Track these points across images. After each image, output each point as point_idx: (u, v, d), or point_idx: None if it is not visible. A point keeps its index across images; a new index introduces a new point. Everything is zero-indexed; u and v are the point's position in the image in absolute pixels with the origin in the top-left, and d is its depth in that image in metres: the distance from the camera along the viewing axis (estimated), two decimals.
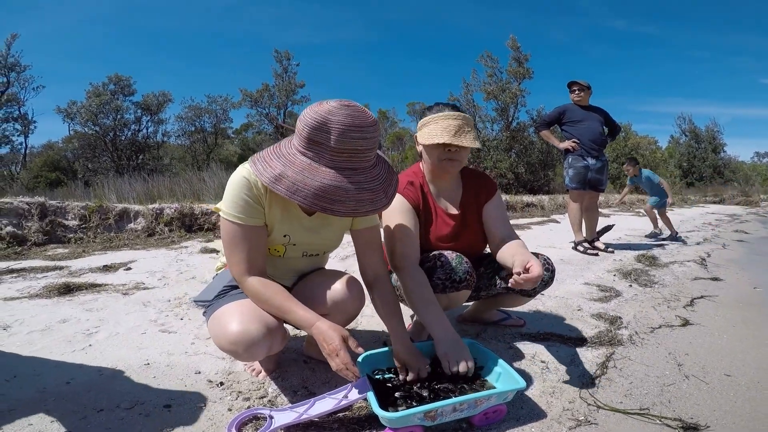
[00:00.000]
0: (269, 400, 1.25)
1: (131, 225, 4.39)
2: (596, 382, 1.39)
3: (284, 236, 1.21)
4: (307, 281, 1.32)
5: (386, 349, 1.27)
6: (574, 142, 3.79)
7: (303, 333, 1.69)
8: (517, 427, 1.13)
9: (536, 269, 1.13)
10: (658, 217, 5.27)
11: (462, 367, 1.12)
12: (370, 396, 1.06)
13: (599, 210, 4.24)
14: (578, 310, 2.16)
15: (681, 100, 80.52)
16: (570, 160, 3.82)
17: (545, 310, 2.15)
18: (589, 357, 1.58)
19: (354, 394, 1.10)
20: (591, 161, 3.77)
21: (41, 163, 19.59)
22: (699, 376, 1.45)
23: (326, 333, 1.04)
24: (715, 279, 2.93)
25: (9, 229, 3.69)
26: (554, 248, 3.98)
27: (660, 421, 1.17)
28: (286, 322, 1.18)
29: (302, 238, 1.25)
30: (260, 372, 1.38)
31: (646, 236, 5.22)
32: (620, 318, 2.02)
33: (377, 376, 1.23)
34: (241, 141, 23.97)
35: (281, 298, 1.11)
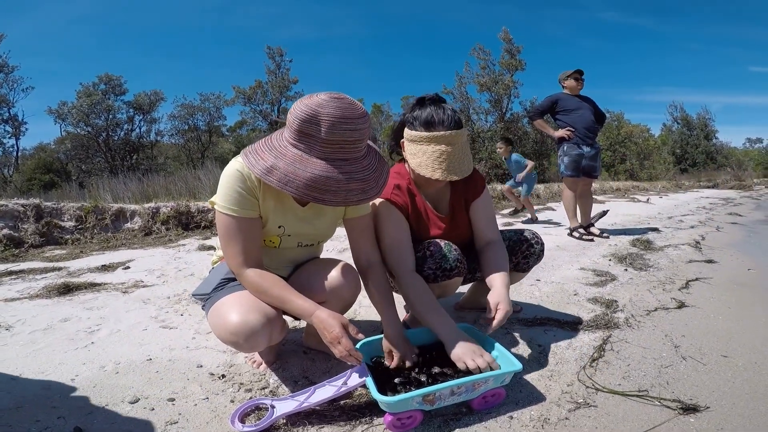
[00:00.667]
0: (271, 391, 1.27)
1: (128, 225, 4.38)
2: (594, 364, 1.41)
3: (279, 227, 1.22)
4: (302, 270, 1.34)
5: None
6: (569, 130, 3.81)
7: (302, 325, 1.71)
8: (517, 410, 1.15)
9: (500, 314, 1.23)
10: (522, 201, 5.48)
11: (481, 363, 1.11)
12: (369, 382, 1.07)
13: (593, 196, 4.27)
14: (574, 294, 2.19)
15: (672, 89, 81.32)
16: (565, 148, 3.84)
17: (541, 295, 2.17)
18: (586, 340, 1.60)
19: (353, 381, 1.12)
20: (586, 149, 3.81)
21: (34, 165, 19.42)
22: (696, 358, 1.47)
23: (326, 321, 1.06)
24: (710, 261, 2.96)
25: (5, 231, 3.68)
26: (550, 235, 4.01)
27: (659, 402, 1.19)
28: (285, 313, 1.19)
29: (296, 229, 1.26)
30: (261, 363, 1.39)
31: (509, 213, 5.66)
32: (616, 302, 2.05)
33: (378, 360, 1.25)
34: (236, 138, 23.84)
35: (279, 288, 1.12)
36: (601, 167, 4.20)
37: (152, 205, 4.64)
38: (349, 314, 1.87)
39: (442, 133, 1.27)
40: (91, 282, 2.46)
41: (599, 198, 8.44)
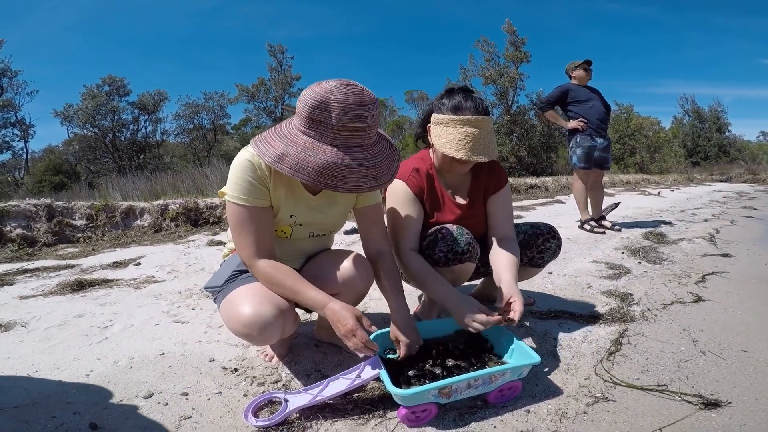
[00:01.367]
0: (283, 384, 1.26)
1: (138, 222, 4.42)
2: (611, 358, 1.38)
3: (290, 216, 1.22)
4: (315, 261, 1.33)
5: None
6: (581, 121, 3.74)
7: (313, 317, 1.70)
8: (534, 404, 1.13)
9: (518, 305, 1.18)
10: None
11: (486, 321, 1.14)
12: (383, 374, 1.06)
13: (604, 189, 4.20)
14: (588, 287, 2.15)
15: (682, 82, 79.93)
16: (578, 139, 3.78)
17: (554, 288, 2.14)
18: (601, 334, 1.57)
19: (366, 374, 1.11)
20: (599, 140, 3.76)
21: (44, 167, 19.72)
22: (716, 352, 1.43)
23: (340, 313, 1.05)
24: (726, 255, 2.90)
25: (19, 231, 3.73)
26: (561, 228, 3.91)
27: (680, 397, 1.16)
28: (298, 305, 1.18)
29: (308, 218, 1.25)
30: (273, 357, 1.39)
31: None
32: (631, 295, 2.01)
33: (389, 356, 1.23)
34: (240, 136, 23.95)
35: (292, 280, 1.11)
36: (611, 159, 4.13)
37: (161, 202, 4.67)
38: (360, 307, 1.86)
39: (468, 116, 1.29)
40: (104, 278, 2.49)
41: (609, 191, 8.32)
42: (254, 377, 1.30)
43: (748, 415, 1.08)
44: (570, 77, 3.94)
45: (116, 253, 3.35)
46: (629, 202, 6.32)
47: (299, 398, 1.09)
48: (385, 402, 1.12)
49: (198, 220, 4.60)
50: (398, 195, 1.43)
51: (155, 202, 4.68)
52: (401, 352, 1.16)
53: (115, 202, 4.75)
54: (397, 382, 1.07)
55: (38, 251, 3.54)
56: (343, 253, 1.29)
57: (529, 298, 1.90)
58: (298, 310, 1.24)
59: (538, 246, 1.56)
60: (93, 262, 3.01)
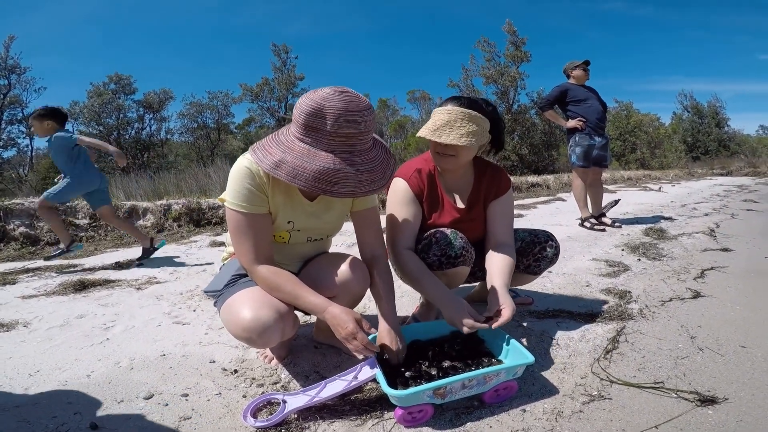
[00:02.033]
0: (282, 386, 1.27)
1: (140, 222, 4.44)
2: (608, 356, 1.39)
3: (288, 222, 1.23)
4: (312, 265, 1.34)
5: None
6: (580, 120, 3.75)
7: (312, 320, 1.71)
8: (529, 403, 1.14)
9: (505, 315, 1.20)
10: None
11: (472, 321, 1.17)
12: (379, 375, 1.07)
13: (604, 186, 4.20)
14: (587, 285, 2.16)
15: (681, 78, 79.71)
16: (577, 138, 3.79)
17: (553, 287, 2.15)
18: (599, 332, 1.58)
19: (363, 375, 1.12)
20: (597, 139, 3.77)
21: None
22: (713, 349, 1.44)
23: (340, 317, 1.07)
24: (725, 250, 2.90)
25: (22, 229, 3.76)
26: (561, 226, 3.96)
27: (676, 394, 1.17)
28: (297, 309, 1.19)
29: (305, 224, 1.26)
30: (272, 359, 1.40)
31: None
32: (630, 292, 2.01)
33: (385, 357, 1.24)
34: (244, 135, 23.93)
35: (291, 284, 1.12)
36: (610, 157, 4.14)
37: (164, 202, 4.69)
38: (359, 308, 1.87)
39: (448, 106, 1.36)
40: (106, 279, 2.51)
41: (610, 188, 8.30)
42: (254, 378, 1.31)
43: (745, 412, 1.09)
44: (568, 76, 3.94)
45: (119, 253, 3.37)
46: (630, 198, 6.30)
47: (297, 399, 1.10)
48: (383, 403, 1.14)
49: (200, 220, 4.62)
50: (398, 194, 1.45)
51: (158, 202, 4.70)
52: (390, 358, 1.17)
53: (119, 201, 4.77)
54: (393, 384, 1.08)
55: (41, 250, 3.56)
56: (341, 257, 1.30)
57: (527, 298, 1.91)
58: (297, 313, 1.25)
59: (534, 254, 1.56)
60: (95, 261, 3.03)
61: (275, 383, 1.29)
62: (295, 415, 1.09)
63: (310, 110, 1.00)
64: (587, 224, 3.83)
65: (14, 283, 2.47)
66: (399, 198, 1.45)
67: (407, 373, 1.13)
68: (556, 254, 1.58)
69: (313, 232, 1.31)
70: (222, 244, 3.59)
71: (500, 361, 1.22)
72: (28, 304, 2.08)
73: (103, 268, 2.85)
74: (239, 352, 1.49)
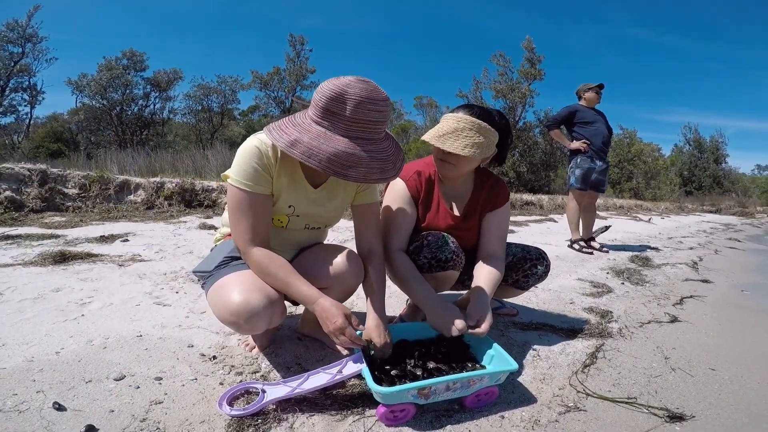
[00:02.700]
0: (262, 375, 1.25)
1: (131, 197, 4.37)
2: (586, 371, 1.41)
3: (289, 206, 1.23)
4: (307, 254, 1.33)
5: None
6: (584, 143, 3.80)
7: (298, 311, 1.70)
8: (508, 410, 1.15)
9: (483, 328, 1.22)
10: None
11: (459, 325, 1.18)
12: (365, 371, 1.07)
13: (597, 212, 4.26)
14: (570, 303, 2.18)
15: (689, 111, 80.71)
16: (579, 160, 3.83)
17: (538, 301, 2.17)
18: (579, 347, 1.60)
19: (349, 369, 1.11)
20: (598, 163, 3.82)
21: (44, 133, 19.35)
22: (685, 369, 1.48)
23: (330, 311, 1.06)
24: (705, 281, 2.96)
25: (8, 193, 3.67)
26: (550, 245, 4.00)
27: (647, 409, 1.20)
28: (287, 297, 1.18)
29: (306, 210, 1.26)
30: (254, 347, 1.39)
31: None
32: (611, 312, 2.05)
33: (372, 353, 1.24)
34: (247, 123, 23.76)
35: (284, 272, 1.11)
36: (607, 182, 4.20)
37: (157, 179, 4.63)
38: (347, 304, 1.85)
39: (458, 114, 1.34)
40: (88, 252, 2.45)
41: (602, 214, 8.43)
42: (233, 366, 1.29)
43: (710, 429, 1.14)
44: (579, 98, 3.98)
45: (104, 226, 3.30)
46: (620, 227, 6.41)
47: (277, 389, 1.08)
48: (365, 400, 1.13)
49: (192, 201, 4.57)
50: (396, 194, 1.45)
51: (152, 179, 4.63)
52: (376, 353, 1.17)
53: (111, 174, 4.69)
54: (378, 381, 1.08)
55: (24, 217, 3.48)
56: (337, 248, 1.30)
57: (512, 309, 1.92)
58: (285, 303, 1.24)
59: (524, 270, 1.57)
60: (79, 233, 2.96)
61: (255, 372, 1.27)
62: (274, 406, 1.07)
63: (332, 94, 1.02)
64: (576, 246, 3.88)
65: None
66: (396, 197, 1.45)
67: (393, 372, 1.13)
68: (546, 272, 1.59)
69: (312, 219, 1.30)
70: (212, 227, 3.55)
71: (483, 367, 1.22)
72: (3, 273, 2.00)
73: (87, 240, 2.79)
74: (220, 339, 1.46)
